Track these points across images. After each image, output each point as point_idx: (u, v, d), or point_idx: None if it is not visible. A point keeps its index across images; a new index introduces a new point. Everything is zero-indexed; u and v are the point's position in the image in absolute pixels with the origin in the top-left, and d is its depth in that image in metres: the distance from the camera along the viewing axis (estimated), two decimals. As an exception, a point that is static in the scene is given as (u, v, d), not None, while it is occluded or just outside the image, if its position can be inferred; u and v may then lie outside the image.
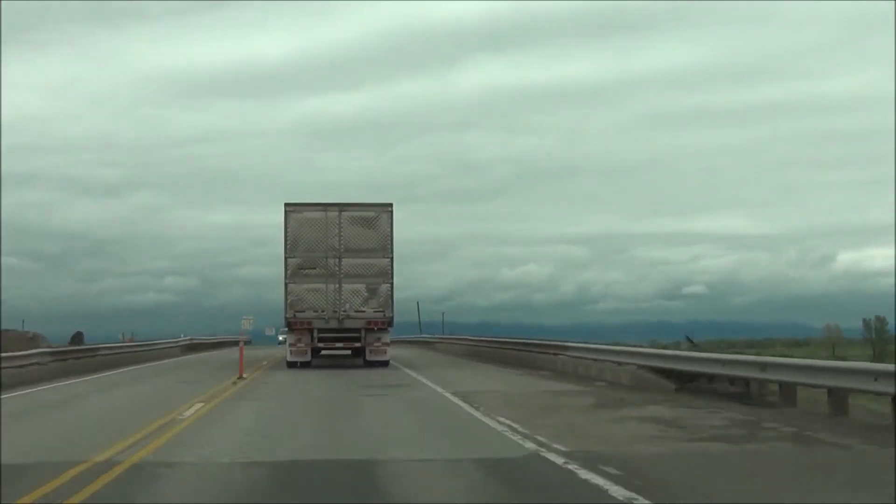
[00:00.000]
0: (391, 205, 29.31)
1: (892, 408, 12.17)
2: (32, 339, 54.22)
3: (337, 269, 28.60)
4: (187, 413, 15.10)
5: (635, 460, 9.97)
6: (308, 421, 14.31)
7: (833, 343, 73.56)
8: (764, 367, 15.44)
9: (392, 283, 28.87)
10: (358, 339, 28.98)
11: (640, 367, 20.71)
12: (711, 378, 18.21)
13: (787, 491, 8.53)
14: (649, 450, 10.80)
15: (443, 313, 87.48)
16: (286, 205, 29.06)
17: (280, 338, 46.08)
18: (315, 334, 28.89)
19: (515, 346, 33.75)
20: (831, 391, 13.76)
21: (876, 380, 12.49)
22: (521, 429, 12.71)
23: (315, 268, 28.59)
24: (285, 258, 28.81)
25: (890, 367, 12.65)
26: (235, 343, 29.84)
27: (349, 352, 29.79)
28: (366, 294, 28.62)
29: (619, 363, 22.25)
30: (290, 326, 29.16)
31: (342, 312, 28.55)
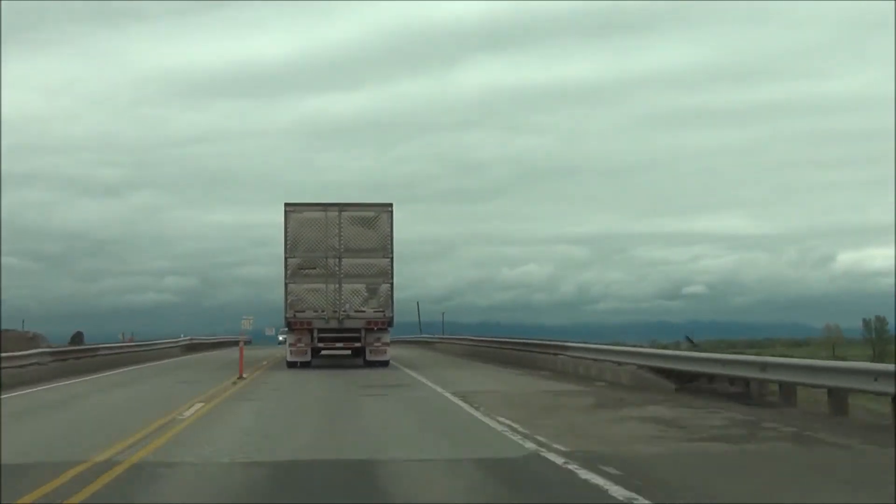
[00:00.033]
0: (391, 205, 29.28)
1: (893, 408, 12.17)
2: (32, 339, 54.23)
3: (337, 269, 28.57)
4: (187, 413, 15.11)
5: (635, 460, 9.97)
6: (308, 421, 14.33)
7: (833, 343, 73.61)
8: (764, 367, 15.45)
9: (392, 283, 28.85)
10: (358, 339, 28.96)
11: (640, 367, 20.72)
12: (711, 378, 18.22)
13: (787, 491, 8.53)
14: (649, 450, 10.81)
15: (443, 313, 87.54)
16: (286, 205, 29.05)
17: (280, 338, 46.12)
18: (315, 334, 28.88)
19: (515, 347, 33.75)
20: (831, 391, 13.77)
21: (876, 380, 12.50)
22: (521, 429, 12.71)
23: (315, 268, 28.57)
24: (285, 258, 28.79)
25: (890, 367, 12.66)
26: (235, 343, 29.82)
27: (349, 352, 29.76)
28: (366, 294, 28.61)
29: (619, 363, 22.26)
30: (291, 326, 29.15)
31: (342, 312, 28.54)
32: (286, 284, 28.72)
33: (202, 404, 16.76)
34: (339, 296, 28.53)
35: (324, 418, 14.72)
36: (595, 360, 24.23)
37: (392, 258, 28.85)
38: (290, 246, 28.73)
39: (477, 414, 14.89)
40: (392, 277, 28.86)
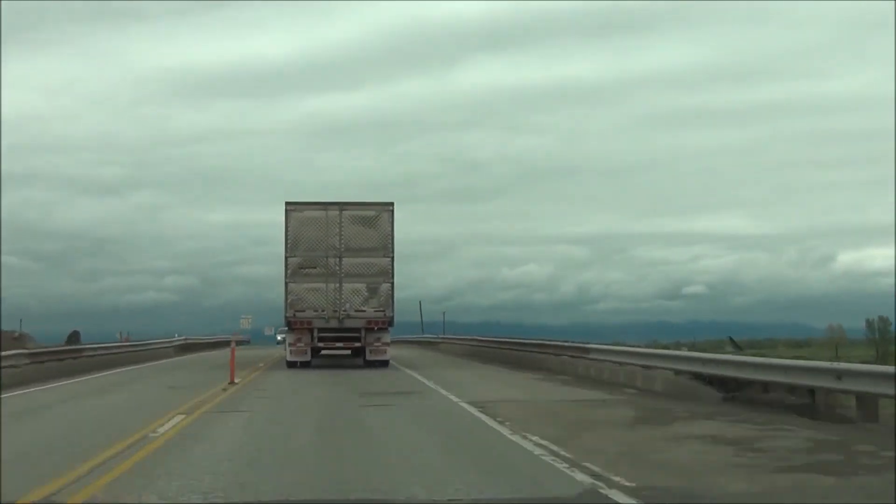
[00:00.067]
0: (392, 204, 28.79)
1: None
2: (18, 340, 52.37)
3: (337, 268, 28.17)
4: (162, 429, 12.81)
5: (726, 501, 7.72)
6: (304, 442, 11.90)
7: (836, 343, 71.61)
8: (839, 375, 13.17)
9: (392, 283, 28.44)
10: (358, 339, 28.48)
11: (678, 372, 18.49)
12: (766, 386, 15.97)
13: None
14: (736, 485, 8.51)
15: (443, 313, 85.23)
16: (287, 203, 28.58)
17: (279, 337, 45.50)
18: (315, 334, 28.38)
19: (525, 348, 31.64)
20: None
21: None
22: (561, 452, 10.47)
23: (315, 267, 28.23)
24: (286, 257, 28.38)
25: None
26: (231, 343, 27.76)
27: (349, 351, 29.26)
28: (366, 294, 28.23)
29: (649, 367, 20.06)
30: (291, 326, 28.66)
31: (342, 312, 28.06)
32: (286, 284, 28.31)
33: (183, 416, 14.48)
34: (339, 295, 28.09)
35: (323, 439, 12.33)
36: (621, 363, 22.03)
37: (393, 258, 28.43)
38: (291, 245, 28.31)
39: (503, 431, 12.62)
40: (392, 277, 28.45)
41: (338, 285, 28.11)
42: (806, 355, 32.90)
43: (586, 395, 18.53)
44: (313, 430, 13.08)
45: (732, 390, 16.73)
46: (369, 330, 28.32)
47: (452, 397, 17.95)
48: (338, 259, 28.17)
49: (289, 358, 28.62)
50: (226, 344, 50.09)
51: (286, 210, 28.41)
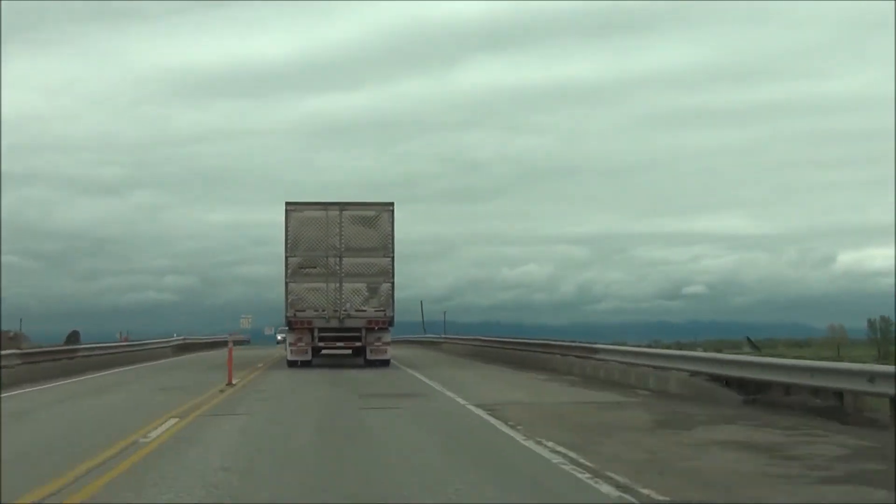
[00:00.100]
0: (392, 204, 28.69)
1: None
2: (13, 339, 51.69)
3: (338, 268, 28.06)
4: (153, 434, 12.08)
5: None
6: (303, 447, 11.16)
7: (838, 343, 71.00)
8: (872, 377, 12.43)
9: (393, 283, 28.33)
10: (358, 339, 28.43)
11: (694, 373, 17.75)
12: (788, 388, 15.23)
13: None
14: (775, 499, 7.78)
15: (444, 312, 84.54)
16: (287, 203, 28.47)
17: (279, 337, 45.31)
18: (315, 333, 28.29)
19: (530, 348, 30.99)
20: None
21: None
22: (581, 459, 9.74)
23: (316, 267, 28.13)
24: (286, 257, 28.27)
25: None
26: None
27: (350, 351, 29.27)
28: (366, 293, 28.13)
29: (661, 368, 19.35)
30: (291, 325, 28.57)
31: (343, 312, 27.95)
32: (287, 283, 28.21)
33: (176, 420, 13.75)
34: (339, 295, 27.98)
35: (324, 442, 11.59)
36: (631, 364, 21.31)
37: (393, 257, 28.32)
38: (291, 245, 28.20)
39: (516, 436, 11.89)
40: (393, 277, 28.34)
41: (338, 285, 27.94)
42: (807, 355, 32.29)
43: (598, 398, 17.80)
44: (314, 434, 12.30)
45: (752, 393, 15.98)
46: (370, 329, 28.21)
47: (460, 399, 17.21)
48: (338, 259, 28.02)
49: (289, 357, 28.57)
50: (224, 344, 49.41)
51: (286, 210, 28.28)
